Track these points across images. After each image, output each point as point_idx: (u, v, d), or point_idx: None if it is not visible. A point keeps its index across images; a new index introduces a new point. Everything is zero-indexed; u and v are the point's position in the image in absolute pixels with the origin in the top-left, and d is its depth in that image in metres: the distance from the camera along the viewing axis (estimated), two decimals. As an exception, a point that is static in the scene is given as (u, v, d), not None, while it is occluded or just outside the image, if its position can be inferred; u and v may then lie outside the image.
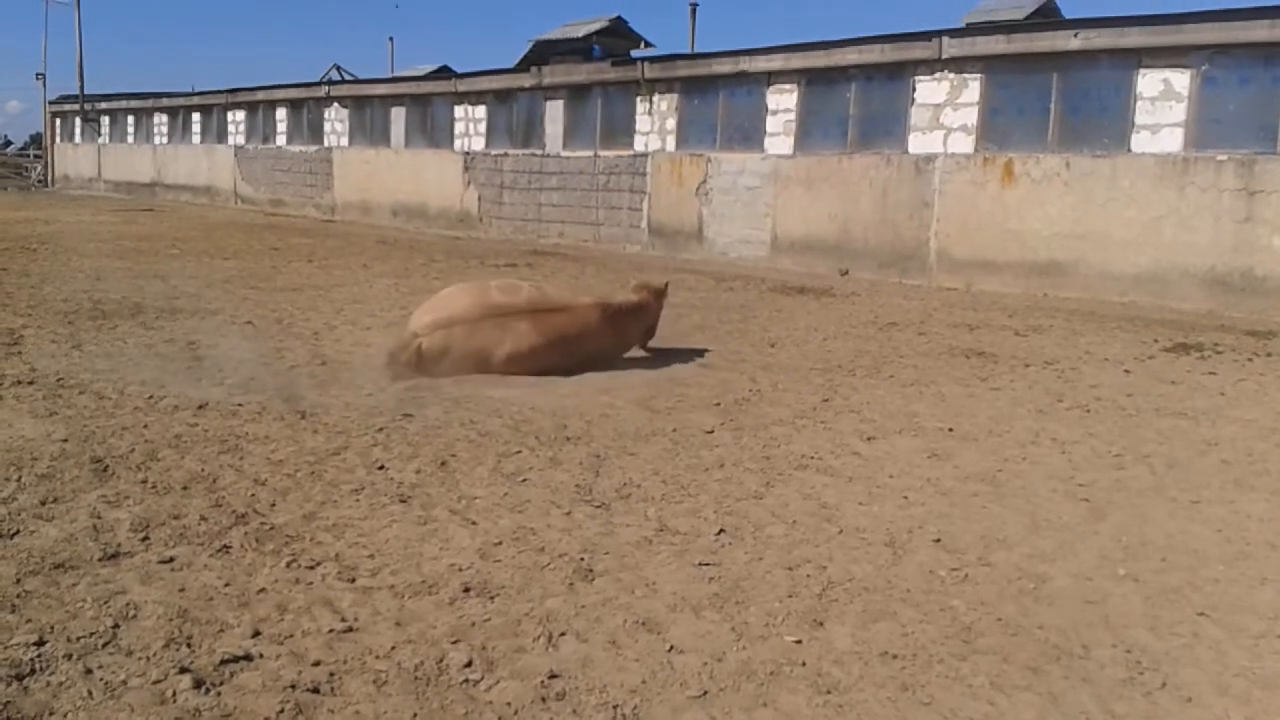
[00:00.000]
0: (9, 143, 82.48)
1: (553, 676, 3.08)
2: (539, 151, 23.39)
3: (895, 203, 16.93)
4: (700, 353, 8.85)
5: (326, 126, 29.87)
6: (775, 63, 18.67)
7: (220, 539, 4.04)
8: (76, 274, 12.61)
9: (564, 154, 22.82)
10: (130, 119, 39.93)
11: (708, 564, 4.03)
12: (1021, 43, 15.55)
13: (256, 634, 3.25)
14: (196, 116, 35.94)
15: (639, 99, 21.18)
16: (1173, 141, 14.05)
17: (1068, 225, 14.97)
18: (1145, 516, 4.89)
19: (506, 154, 24.22)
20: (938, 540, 4.43)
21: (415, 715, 2.86)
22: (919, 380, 8.05)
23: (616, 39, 24.08)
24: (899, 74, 16.98)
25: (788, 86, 18.58)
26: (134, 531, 4.06)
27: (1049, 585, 3.98)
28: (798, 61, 18.37)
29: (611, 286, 11.23)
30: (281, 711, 2.83)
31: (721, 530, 4.42)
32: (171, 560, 3.80)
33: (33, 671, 2.95)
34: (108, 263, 14.13)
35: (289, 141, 31.53)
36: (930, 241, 16.53)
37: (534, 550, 4.10)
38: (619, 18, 24.57)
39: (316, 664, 3.09)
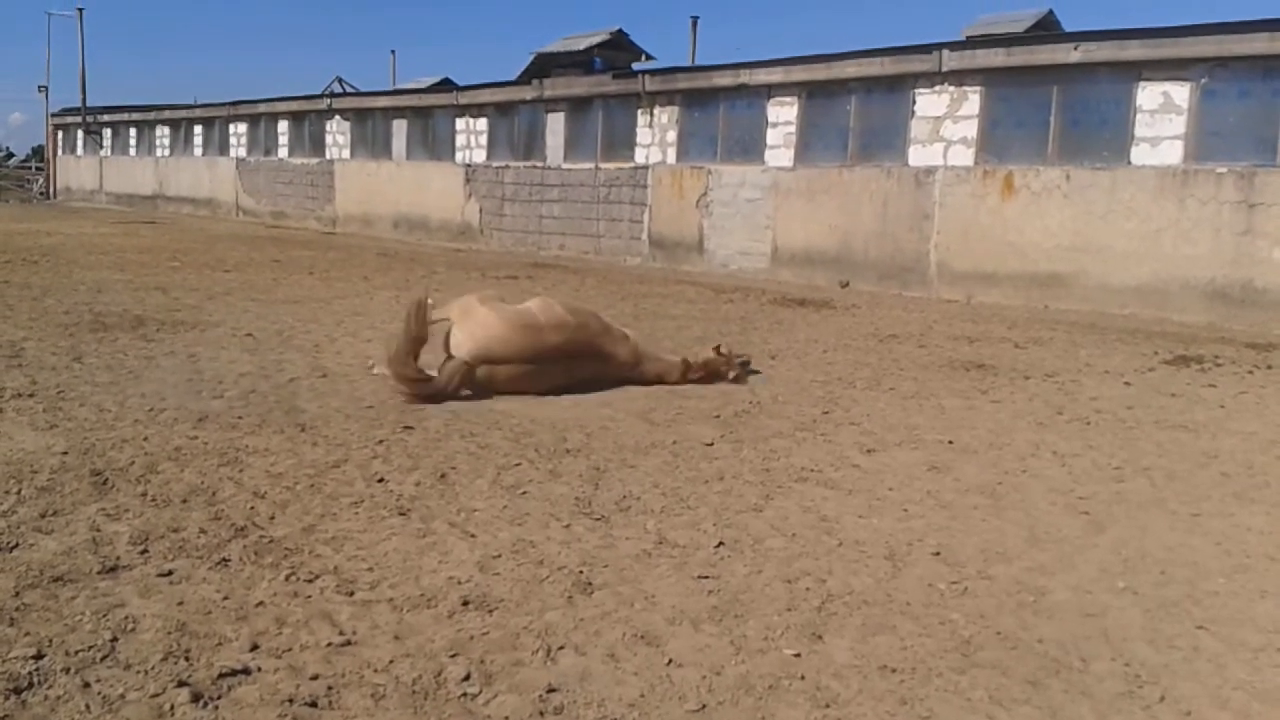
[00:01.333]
0: (11, 155, 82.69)
1: (551, 690, 3.08)
2: (540, 164, 23.46)
3: (895, 215, 16.97)
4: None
5: (328, 139, 29.97)
6: (775, 75, 18.74)
7: (219, 552, 4.04)
8: (78, 286, 12.63)
9: (565, 166, 22.89)
10: (132, 131, 40.08)
11: (707, 577, 4.03)
12: (1021, 55, 15.61)
13: (255, 647, 3.25)
14: (198, 129, 36.08)
15: (640, 111, 21.25)
16: (1172, 154, 14.09)
17: (1068, 238, 15.00)
18: (1145, 529, 4.89)
19: (508, 166, 24.29)
20: (937, 553, 4.42)
21: (413, 729, 2.86)
22: (919, 393, 8.05)
23: (617, 52, 24.21)
24: (899, 86, 17.04)
25: (788, 99, 18.65)
26: (133, 544, 4.06)
27: (1048, 598, 3.98)
28: (798, 74, 18.44)
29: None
30: (279, 725, 2.83)
31: (721, 543, 4.42)
32: (170, 573, 3.80)
33: (31, 685, 2.94)
34: (109, 275, 14.15)
35: (291, 154, 31.63)
36: (930, 254, 16.56)
37: (533, 563, 4.10)
38: (620, 31, 24.71)
39: (315, 677, 3.08)
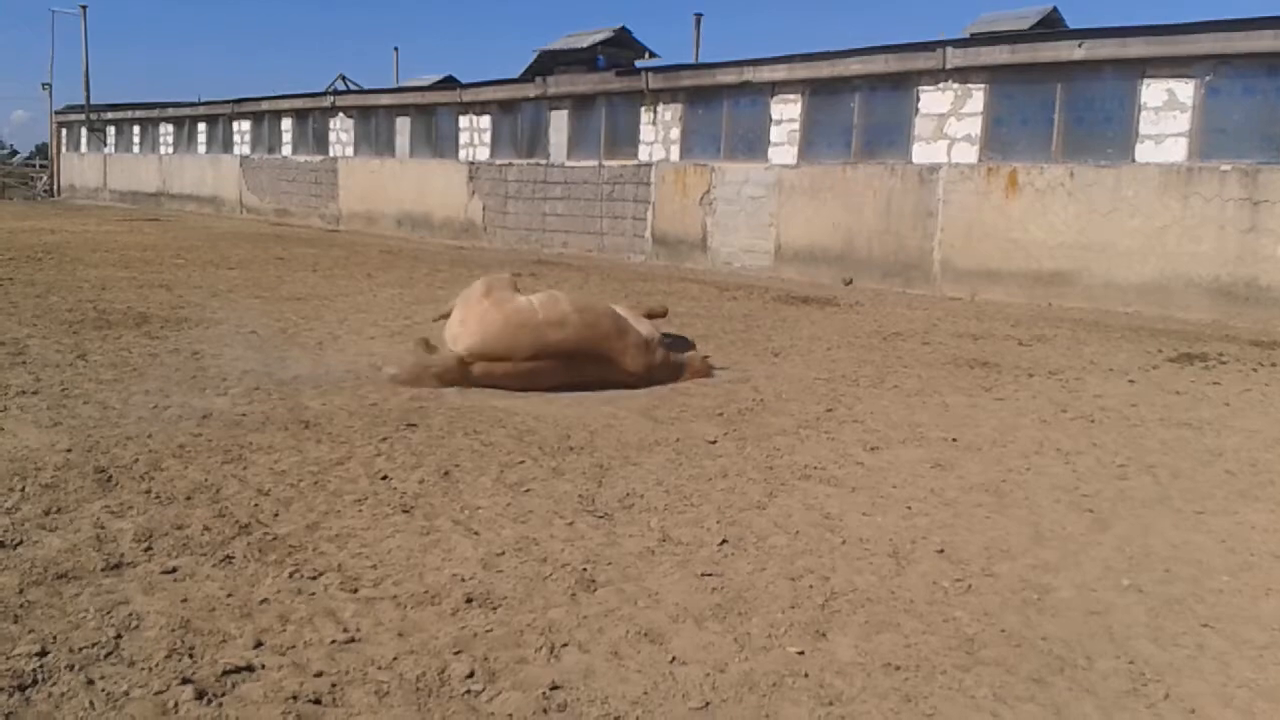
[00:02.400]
0: (15, 152, 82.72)
1: (555, 688, 3.08)
2: (543, 161, 23.45)
3: (899, 212, 16.94)
4: (704, 362, 8.81)
5: (332, 136, 29.97)
6: (779, 73, 18.70)
7: (223, 549, 4.05)
8: (81, 283, 12.65)
9: (568, 164, 22.87)
10: (136, 129, 40.09)
11: (710, 574, 4.03)
12: (1025, 53, 15.57)
13: (259, 645, 3.25)
14: (202, 126, 36.08)
15: (643, 109, 21.23)
16: (1177, 151, 14.05)
17: (1072, 235, 14.97)
18: (1149, 527, 4.88)
19: (511, 164, 24.28)
20: (941, 551, 4.42)
21: (417, 726, 2.86)
22: (923, 390, 8.04)
23: (621, 49, 24.19)
24: (903, 84, 17.01)
25: (792, 96, 18.62)
26: (137, 542, 4.06)
27: (1052, 596, 3.97)
28: (802, 71, 18.41)
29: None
30: (283, 722, 2.83)
31: (724, 540, 4.42)
32: (174, 570, 3.81)
33: (35, 682, 2.95)
34: (112, 272, 14.17)
35: (294, 151, 31.63)
36: (934, 251, 16.54)
37: (536, 561, 4.10)
38: (623, 28, 24.70)
39: (319, 675, 3.09)
